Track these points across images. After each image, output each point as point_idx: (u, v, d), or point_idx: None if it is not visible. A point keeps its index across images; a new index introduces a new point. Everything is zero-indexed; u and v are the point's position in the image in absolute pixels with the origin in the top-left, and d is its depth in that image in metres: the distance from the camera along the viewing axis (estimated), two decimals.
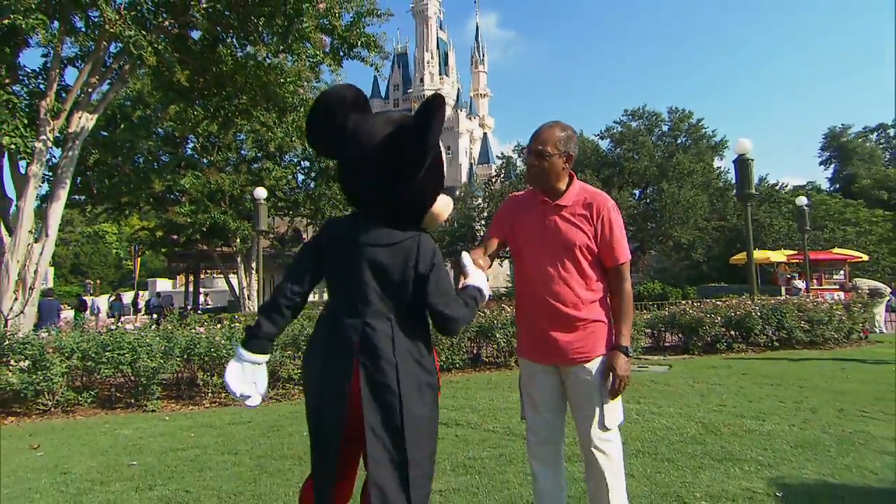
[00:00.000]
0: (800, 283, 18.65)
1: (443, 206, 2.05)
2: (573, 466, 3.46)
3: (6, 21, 7.71)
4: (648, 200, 31.92)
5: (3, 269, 8.49)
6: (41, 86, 9.61)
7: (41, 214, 9.60)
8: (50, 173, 11.14)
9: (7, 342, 6.50)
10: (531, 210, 2.43)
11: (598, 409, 2.28)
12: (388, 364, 1.84)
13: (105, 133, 16.62)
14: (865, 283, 14.48)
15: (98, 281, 53.28)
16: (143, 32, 8.43)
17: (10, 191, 9.55)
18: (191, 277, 30.52)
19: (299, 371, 7.04)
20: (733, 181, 16.46)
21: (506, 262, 32.18)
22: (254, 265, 20.57)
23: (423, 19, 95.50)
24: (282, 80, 10.35)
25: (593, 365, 2.30)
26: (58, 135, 9.33)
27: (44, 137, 8.79)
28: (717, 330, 9.90)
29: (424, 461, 1.88)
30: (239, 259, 22.00)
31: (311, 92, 13.13)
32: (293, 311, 2.02)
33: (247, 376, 1.96)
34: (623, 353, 2.29)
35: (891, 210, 38.37)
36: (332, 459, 1.88)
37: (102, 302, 30.84)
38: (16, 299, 8.48)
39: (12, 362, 6.36)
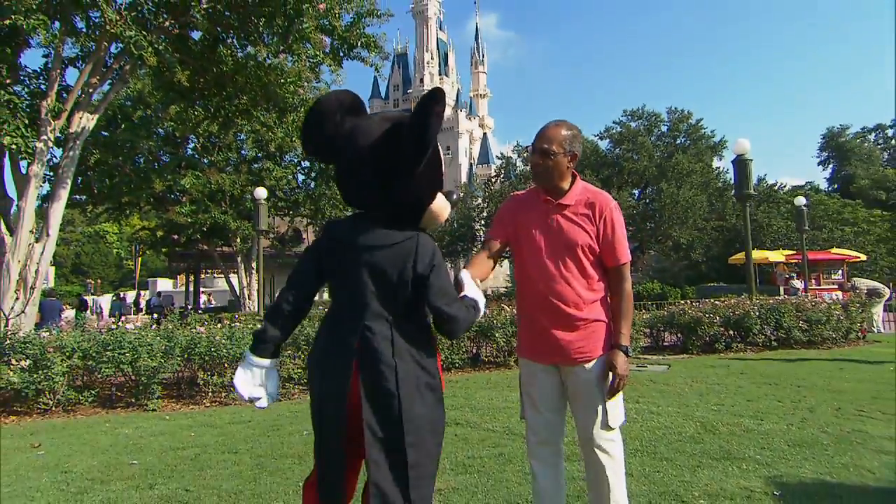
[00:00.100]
0: (798, 283, 18.67)
1: (442, 204, 2.04)
2: (572, 465, 3.48)
3: (7, 21, 7.73)
4: (647, 200, 31.92)
5: (5, 269, 8.51)
6: (42, 86, 9.63)
7: (42, 214, 9.63)
8: (51, 173, 11.15)
9: (8, 341, 6.51)
10: (533, 209, 2.42)
11: (600, 409, 2.29)
12: (386, 366, 1.84)
13: (106, 133, 16.64)
14: (864, 283, 14.51)
15: (99, 281, 53.22)
16: (144, 33, 8.45)
17: (12, 191, 9.59)
18: (191, 277, 30.52)
19: (299, 370, 7.10)
20: (732, 181, 16.46)
21: (506, 262, 32.18)
22: (254, 265, 20.57)
23: (422, 20, 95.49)
24: (282, 81, 10.37)
25: (594, 365, 2.30)
26: (59, 135, 9.37)
27: (45, 137, 8.81)
28: (715, 330, 9.92)
29: (425, 462, 1.88)
30: (239, 259, 22.01)
31: (311, 92, 13.18)
32: (297, 314, 2.04)
33: (254, 380, 1.98)
34: (623, 352, 2.29)
35: (889, 210, 38.40)
36: (335, 460, 1.89)
37: (105, 301, 30.83)
38: (17, 299, 8.50)
39: (13, 361, 6.37)
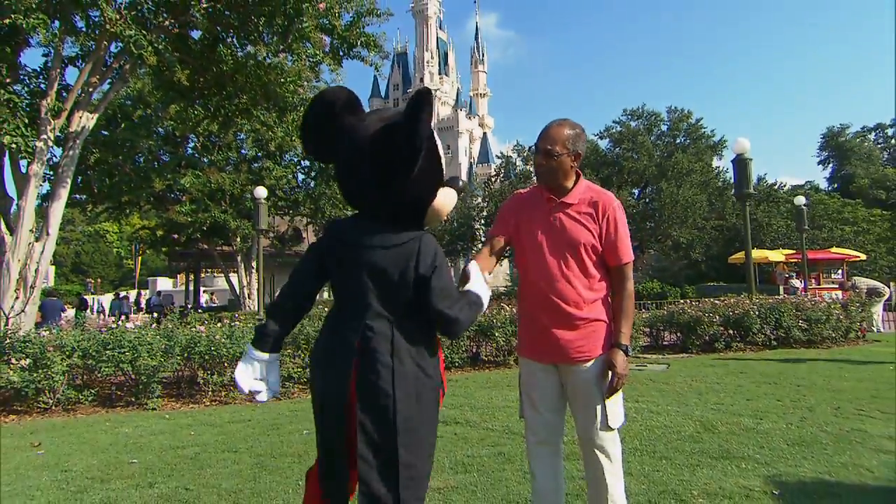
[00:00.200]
0: (797, 283, 18.67)
1: (444, 200, 2.02)
2: (571, 464, 3.49)
3: (7, 21, 7.73)
4: (647, 200, 31.93)
5: (5, 268, 8.52)
6: (42, 85, 9.64)
7: (42, 213, 9.63)
8: (51, 172, 11.16)
9: (8, 341, 6.52)
10: (536, 207, 2.42)
11: (599, 409, 2.28)
12: (383, 366, 1.84)
13: (106, 132, 16.63)
14: (864, 282, 14.52)
15: (99, 280, 53.32)
16: (144, 32, 8.45)
17: (12, 190, 9.60)
18: (191, 276, 30.53)
19: (299, 369, 7.10)
20: (732, 181, 16.45)
21: (505, 262, 32.16)
22: (254, 264, 20.58)
23: (422, 19, 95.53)
24: (282, 80, 10.37)
25: (593, 364, 2.30)
26: (58, 134, 9.37)
27: (45, 137, 8.82)
28: (715, 329, 9.92)
29: (418, 463, 1.88)
30: (239, 258, 22.03)
31: (310, 91, 13.15)
32: (298, 312, 2.06)
33: (254, 373, 1.99)
34: (623, 351, 2.29)
35: (888, 209, 38.38)
36: (336, 457, 1.90)
37: (107, 301, 30.86)
38: (17, 298, 8.51)
39: (13, 361, 6.38)
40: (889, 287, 15.68)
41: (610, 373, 2.27)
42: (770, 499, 3.19)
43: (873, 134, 55.65)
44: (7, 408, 6.53)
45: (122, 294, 31.47)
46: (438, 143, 2.01)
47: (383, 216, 1.95)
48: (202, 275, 31.68)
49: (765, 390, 6.30)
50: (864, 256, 25.82)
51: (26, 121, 8.64)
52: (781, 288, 19.06)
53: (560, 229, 2.33)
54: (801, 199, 17.95)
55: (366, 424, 1.83)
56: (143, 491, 3.65)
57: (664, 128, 34.58)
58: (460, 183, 2.22)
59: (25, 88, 9.67)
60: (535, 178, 2.51)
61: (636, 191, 32.77)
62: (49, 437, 5.26)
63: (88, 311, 26.90)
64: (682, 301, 13.32)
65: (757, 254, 21.21)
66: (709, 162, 33.46)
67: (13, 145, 8.32)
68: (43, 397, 6.38)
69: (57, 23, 8.76)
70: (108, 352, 6.51)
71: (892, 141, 55.64)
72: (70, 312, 21.75)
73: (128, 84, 14.16)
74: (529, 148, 34.21)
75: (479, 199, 33.54)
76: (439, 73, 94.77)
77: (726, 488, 3.32)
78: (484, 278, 2.15)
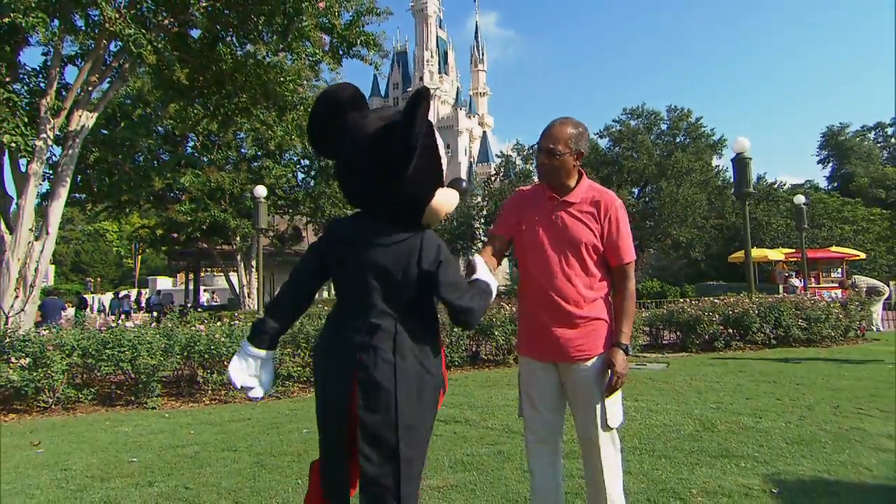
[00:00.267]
0: (797, 282, 18.67)
1: (443, 200, 2.01)
2: (570, 463, 3.49)
3: (6, 19, 7.73)
4: (647, 199, 31.91)
5: (4, 267, 8.52)
6: (41, 84, 9.63)
7: (42, 212, 9.64)
8: (50, 171, 11.16)
9: (8, 340, 6.53)
10: (538, 205, 2.41)
11: (598, 409, 2.29)
12: (385, 362, 1.84)
13: (105, 131, 16.64)
14: (864, 281, 14.52)
15: (99, 279, 53.31)
16: (143, 31, 8.45)
17: (11, 189, 9.59)
18: (191, 275, 30.53)
19: (298, 369, 7.10)
20: (732, 180, 16.46)
21: (505, 261, 32.17)
22: (254, 263, 20.58)
23: (422, 18, 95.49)
24: (281, 79, 10.37)
25: (593, 363, 2.30)
26: (58, 133, 9.37)
27: (44, 135, 8.82)
28: (714, 328, 9.93)
29: (416, 459, 1.90)
30: (239, 257, 22.03)
31: (310, 90, 13.16)
32: (296, 309, 2.07)
33: (248, 369, 1.99)
34: (623, 350, 2.29)
35: (888, 208, 38.41)
36: (337, 455, 1.91)
37: (107, 300, 30.87)
38: (17, 297, 8.51)
39: (13, 360, 6.39)
40: (889, 286, 15.67)
41: (609, 372, 2.28)
42: (769, 497, 3.19)
43: (873, 133, 55.71)
44: (7, 407, 6.53)
45: (123, 293, 31.50)
46: (440, 142, 2.01)
47: (383, 215, 1.95)
48: (202, 274, 31.68)
49: (764, 389, 6.30)
50: (863, 255, 25.83)
51: (26, 120, 8.64)
52: (781, 287, 19.06)
53: (562, 228, 2.33)
54: (800, 198, 17.95)
55: (367, 420, 1.83)
56: (143, 489, 3.65)
57: (664, 127, 34.54)
58: (464, 185, 2.21)
59: (25, 87, 9.66)
60: (535, 177, 2.51)
61: (636, 190, 32.75)
62: (49, 435, 5.26)
63: (89, 309, 26.88)
64: (681, 300, 13.31)
65: (756, 253, 21.21)
66: (708, 161, 33.43)
67: (13, 144, 8.32)
68: (43, 396, 6.38)
69: (56, 21, 8.75)
70: (107, 351, 6.51)
71: (892, 140, 55.71)
72: (70, 311, 21.75)
73: (127, 83, 14.14)
74: (529, 147, 34.22)
75: (479, 199, 33.54)
76: (439, 72, 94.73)
77: (725, 487, 3.32)
78: (489, 268, 2.16)
